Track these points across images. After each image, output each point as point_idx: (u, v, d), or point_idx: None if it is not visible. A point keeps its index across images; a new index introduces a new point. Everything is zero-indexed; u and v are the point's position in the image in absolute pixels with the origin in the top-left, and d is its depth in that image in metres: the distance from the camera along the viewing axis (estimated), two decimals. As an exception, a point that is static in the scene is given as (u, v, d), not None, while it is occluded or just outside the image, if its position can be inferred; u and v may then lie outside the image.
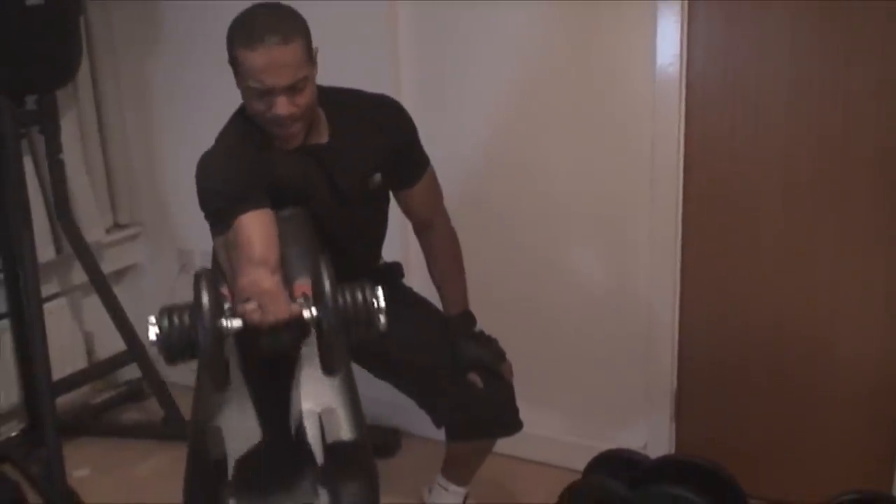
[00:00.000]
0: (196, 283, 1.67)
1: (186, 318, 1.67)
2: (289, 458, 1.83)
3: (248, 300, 1.77)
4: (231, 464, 1.77)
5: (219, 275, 2.22)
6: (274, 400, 1.93)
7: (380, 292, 1.75)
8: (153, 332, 1.67)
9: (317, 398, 1.91)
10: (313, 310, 1.74)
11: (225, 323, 1.70)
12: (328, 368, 1.78)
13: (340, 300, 1.72)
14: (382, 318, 1.75)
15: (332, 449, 1.79)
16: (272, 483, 1.79)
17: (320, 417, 1.82)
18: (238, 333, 1.73)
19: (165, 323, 1.67)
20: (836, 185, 2.93)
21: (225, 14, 2.23)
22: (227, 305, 1.74)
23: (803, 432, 3.18)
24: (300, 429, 1.85)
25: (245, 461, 1.81)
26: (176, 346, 1.67)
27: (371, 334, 1.76)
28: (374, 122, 2.49)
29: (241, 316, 1.73)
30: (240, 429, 1.86)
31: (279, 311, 1.76)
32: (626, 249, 3.26)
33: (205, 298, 1.65)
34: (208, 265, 2.32)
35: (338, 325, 1.70)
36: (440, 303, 2.80)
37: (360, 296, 1.73)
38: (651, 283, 3.24)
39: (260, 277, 1.89)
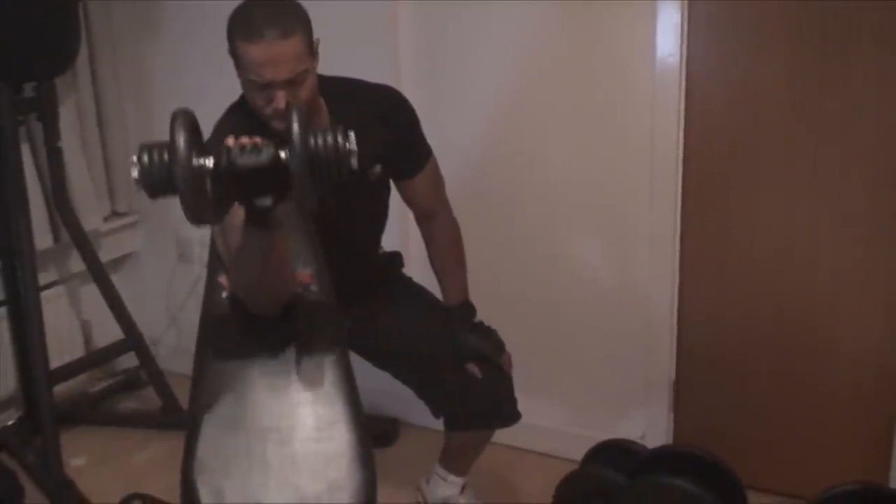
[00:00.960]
0: (172, 122, 1.69)
1: (166, 155, 1.68)
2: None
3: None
4: None
5: (217, 262, 2.22)
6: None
7: (352, 135, 1.75)
8: (135, 170, 1.69)
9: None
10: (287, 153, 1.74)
11: (202, 161, 1.71)
12: (301, 203, 1.76)
13: (311, 141, 1.73)
14: (353, 160, 1.75)
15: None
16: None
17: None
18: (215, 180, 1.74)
19: (146, 160, 1.69)
20: (835, 177, 2.92)
21: (224, 3, 2.22)
22: (203, 161, 1.74)
23: (801, 424, 3.19)
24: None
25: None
26: (157, 181, 1.69)
27: (343, 175, 1.76)
28: (376, 111, 2.48)
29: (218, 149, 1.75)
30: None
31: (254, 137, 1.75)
32: (625, 241, 3.26)
33: (180, 137, 1.66)
34: (206, 254, 2.32)
35: (307, 156, 1.71)
36: (440, 293, 2.80)
37: (330, 138, 1.73)
38: (650, 274, 3.24)
39: None
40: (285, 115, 1.76)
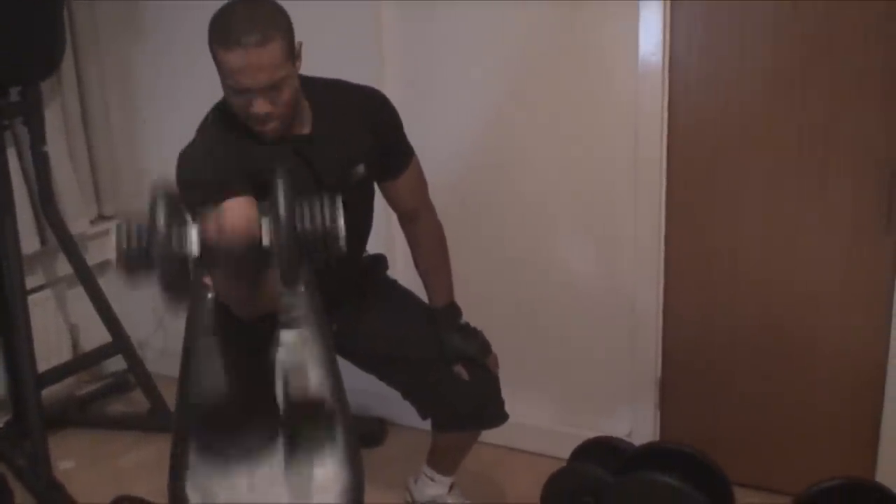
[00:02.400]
0: (152, 204, 1.63)
1: (145, 237, 1.61)
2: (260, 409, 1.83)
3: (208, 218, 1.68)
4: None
5: (198, 268, 2.22)
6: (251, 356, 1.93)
7: (340, 209, 1.68)
8: (114, 252, 1.63)
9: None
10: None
11: (184, 248, 1.64)
12: (287, 282, 1.74)
13: (297, 221, 1.66)
14: (342, 239, 1.69)
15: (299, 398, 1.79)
16: (237, 433, 1.79)
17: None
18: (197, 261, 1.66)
19: (124, 245, 1.62)
20: (818, 174, 2.94)
21: (209, 4, 2.21)
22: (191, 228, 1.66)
23: (787, 420, 3.20)
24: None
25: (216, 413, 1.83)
26: (135, 266, 1.63)
27: (331, 255, 1.71)
28: (358, 112, 2.48)
29: (200, 234, 1.66)
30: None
31: (237, 223, 1.67)
32: (610, 240, 3.27)
33: (160, 220, 1.61)
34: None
35: (294, 253, 1.64)
36: (425, 295, 2.81)
37: (318, 218, 1.67)
38: (635, 272, 3.26)
39: None
40: (272, 184, 1.67)
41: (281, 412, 1.87)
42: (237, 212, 1.67)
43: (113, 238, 1.63)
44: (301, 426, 1.82)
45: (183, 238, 1.64)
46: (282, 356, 1.98)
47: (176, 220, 1.64)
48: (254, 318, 2.07)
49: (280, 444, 1.82)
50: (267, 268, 1.71)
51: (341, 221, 1.68)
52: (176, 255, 1.62)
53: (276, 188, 1.65)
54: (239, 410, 1.91)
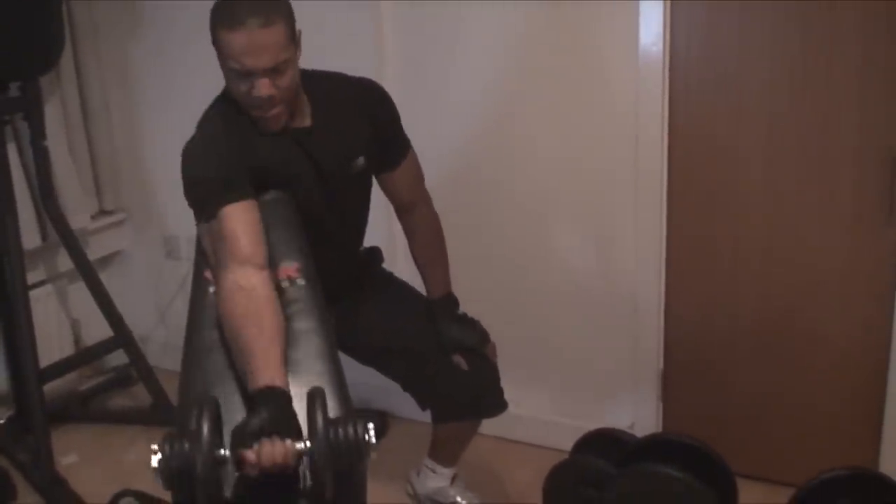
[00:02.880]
0: (198, 415, 1.69)
1: (185, 446, 1.66)
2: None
3: (248, 450, 1.72)
4: None
5: (203, 258, 2.23)
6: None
7: (371, 429, 1.75)
8: (155, 460, 1.68)
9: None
10: (307, 443, 1.73)
11: (222, 464, 1.71)
12: (320, 498, 1.76)
13: (332, 435, 1.71)
14: (373, 452, 1.75)
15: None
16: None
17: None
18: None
19: (167, 451, 1.67)
20: (819, 167, 2.93)
21: (207, -2, 2.22)
22: (224, 452, 1.72)
23: (789, 411, 3.20)
24: None
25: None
26: (175, 472, 1.67)
27: (362, 466, 1.78)
28: (357, 104, 2.49)
29: (238, 463, 1.73)
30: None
31: (278, 457, 1.72)
32: (612, 231, 3.27)
33: (205, 431, 1.66)
34: (193, 251, 2.32)
35: (330, 460, 1.69)
36: (422, 286, 2.81)
37: (351, 431, 1.72)
38: (637, 264, 3.25)
39: (245, 275, 2.01)
40: (308, 407, 1.75)
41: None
42: (278, 447, 1.72)
43: (154, 447, 1.68)
44: (304, 419, 1.82)
45: (223, 453, 1.72)
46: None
47: (217, 434, 1.71)
48: None
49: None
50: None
51: (373, 436, 1.75)
52: (216, 464, 1.68)
53: (314, 408, 1.73)
54: (242, 405, 1.92)
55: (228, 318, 1.99)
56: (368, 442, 1.73)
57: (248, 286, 2.01)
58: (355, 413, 1.89)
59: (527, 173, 3.35)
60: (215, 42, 2.19)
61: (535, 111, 3.26)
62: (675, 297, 3.28)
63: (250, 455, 1.70)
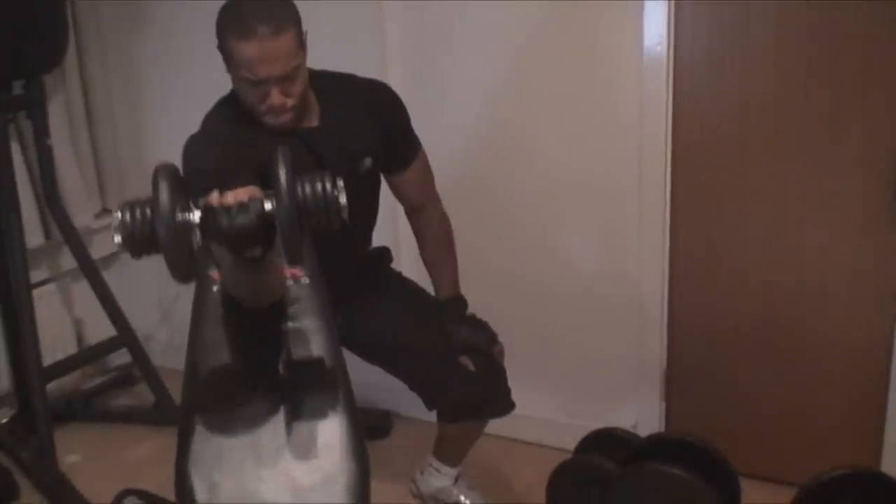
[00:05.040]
0: (154, 176, 1.63)
1: (148, 212, 1.63)
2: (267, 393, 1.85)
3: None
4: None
5: (207, 256, 2.22)
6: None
7: (340, 182, 1.70)
8: (117, 232, 1.63)
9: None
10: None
11: (186, 215, 1.66)
12: (291, 258, 1.75)
13: (299, 191, 1.67)
14: (344, 213, 1.70)
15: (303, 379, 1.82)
16: (245, 415, 1.79)
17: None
18: (200, 227, 1.67)
19: (128, 218, 1.63)
20: (824, 168, 2.93)
21: (213, -2, 2.22)
22: (188, 216, 1.67)
23: (793, 411, 3.20)
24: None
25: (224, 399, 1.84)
26: (138, 240, 1.64)
27: (332, 224, 1.72)
28: (365, 106, 2.49)
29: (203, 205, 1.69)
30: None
31: (238, 192, 1.70)
32: (615, 231, 3.27)
33: (163, 192, 1.61)
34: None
35: (294, 214, 1.65)
36: (431, 286, 2.81)
37: (318, 186, 1.69)
38: (641, 263, 3.25)
39: None
40: (273, 159, 1.68)
41: (288, 405, 1.87)
42: (242, 189, 1.70)
43: (115, 217, 1.63)
44: (308, 418, 1.82)
45: (186, 211, 1.66)
46: (290, 349, 1.98)
47: (179, 195, 1.65)
48: (261, 306, 2.07)
49: (287, 436, 1.82)
50: (269, 247, 1.72)
51: (342, 189, 1.70)
52: (179, 226, 1.63)
53: (277, 161, 1.67)
54: (245, 403, 1.92)
55: None
56: (337, 197, 1.69)
57: None
58: (361, 416, 1.89)
59: (529, 175, 3.35)
60: (224, 49, 2.19)
61: (539, 113, 3.26)
62: (679, 299, 3.28)
63: (213, 196, 1.69)
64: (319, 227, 1.72)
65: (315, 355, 2.00)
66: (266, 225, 1.67)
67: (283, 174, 1.65)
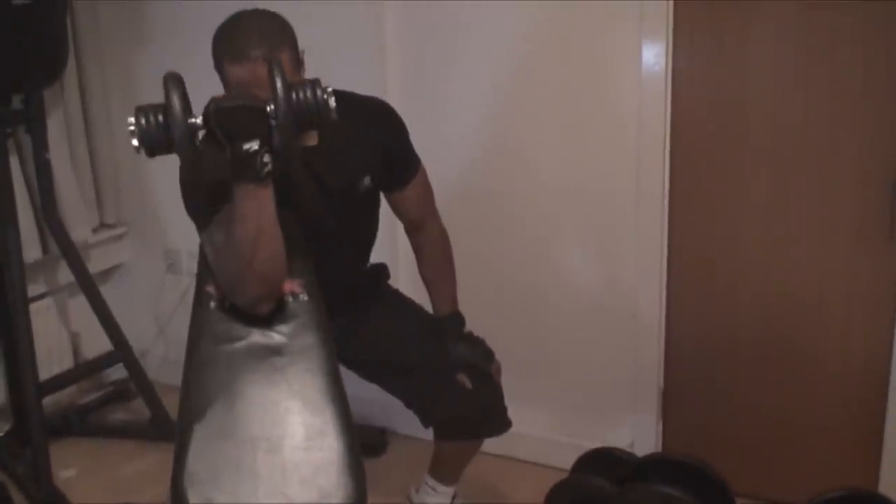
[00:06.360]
0: (165, 85, 1.92)
1: (160, 117, 1.90)
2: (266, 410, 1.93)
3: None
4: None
5: (205, 272, 2.22)
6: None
7: (329, 88, 1.97)
8: (134, 135, 1.92)
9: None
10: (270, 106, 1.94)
11: (194, 119, 1.93)
12: (288, 152, 1.98)
13: (294, 95, 1.94)
14: (332, 111, 1.97)
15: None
16: (245, 433, 1.84)
17: None
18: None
19: (143, 122, 1.91)
20: (821, 183, 2.94)
21: (211, 12, 2.23)
22: (195, 120, 1.95)
23: (790, 431, 3.20)
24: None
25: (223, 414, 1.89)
26: (154, 141, 1.92)
27: (323, 119, 1.97)
28: (365, 124, 2.49)
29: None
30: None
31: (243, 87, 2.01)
32: (612, 249, 3.27)
33: (175, 99, 1.90)
34: (195, 265, 2.32)
35: (292, 117, 1.93)
36: (429, 303, 2.81)
37: (309, 91, 1.95)
38: (638, 283, 3.25)
39: None
40: (267, 70, 1.96)
41: (285, 421, 1.87)
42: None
43: (131, 122, 1.90)
44: (305, 435, 1.82)
45: (194, 116, 1.94)
46: (288, 366, 1.98)
47: (187, 101, 1.94)
48: (259, 299, 2.07)
49: (283, 453, 1.82)
50: (269, 146, 1.96)
51: (331, 96, 1.97)
52: (191, 129, 1.92)
53: (272, 70, 1.93)
54: (241, 420, 1.91)
55: None
56: (328, 100, 1.96)
57: None
58: (357, 431, 1.89)
59: (527, 189, 3.35)
60: (219, 70, 2.19)
61: (538, 128, 3.27)
62: (676, 316, 3.28)
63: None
64: (312, 125, 2.01)
65: (312, 372, 2.00)
66: (262, 118, 1.94)
67: (279, 80, 1.91)
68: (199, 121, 1.92)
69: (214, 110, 1.91)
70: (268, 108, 1.92)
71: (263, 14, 2.22)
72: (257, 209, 2.00)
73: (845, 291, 3.00)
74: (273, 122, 1.92)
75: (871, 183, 2.88)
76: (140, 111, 1.91)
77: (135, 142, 1.91)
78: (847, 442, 3.12)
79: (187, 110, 1.91)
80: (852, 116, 2.85)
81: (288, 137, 1.92)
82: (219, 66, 2.19)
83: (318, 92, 1.94)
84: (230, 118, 1.91)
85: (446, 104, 3.39)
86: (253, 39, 2.12)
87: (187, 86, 1.96)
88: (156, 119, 1.90)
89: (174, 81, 1.91)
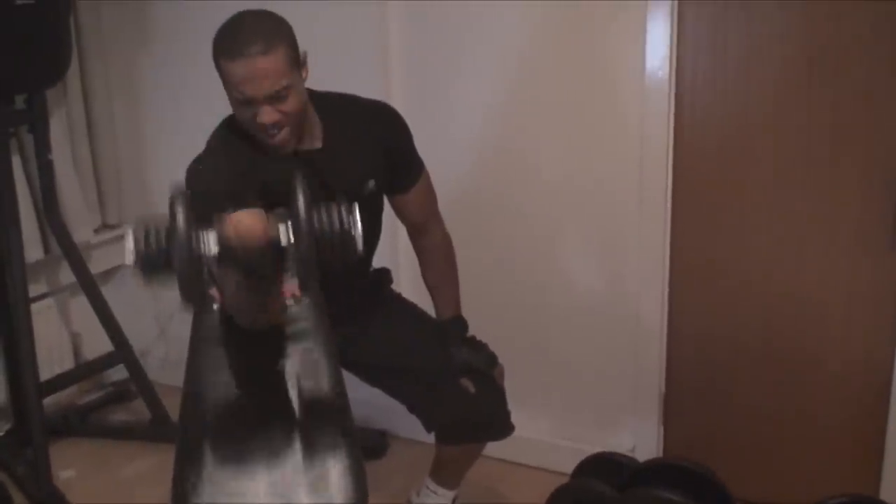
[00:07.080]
0: (171, 203, 1.60)
1: (163, 238, 1.60)
2: (269, 413, 1.86)
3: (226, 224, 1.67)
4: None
5: (209, 278, 2.22)
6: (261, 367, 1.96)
7: (357, 214, 1.68)
8: (130, 253, 1.60)
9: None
10: (290, 234, 1.67)
11: (202, 246, 1.63)
12: (304, 285, 1.74)
13: (316, 223, 1.65)
14: (359, 242, 1.68)
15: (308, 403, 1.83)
16: (249, 435, 1.79)
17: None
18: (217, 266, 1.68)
19: (142, 246, 1.60)
20: (824, 188, 2.94)
21: (214, 13, 2.22)
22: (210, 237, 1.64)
23: (791, 436, 3.19)
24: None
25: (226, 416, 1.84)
26: (153, 266, 1.61)
27: (348, 257, 1.69)
28: (369, 128, 2.49)
29: (219, 237, 1.65)
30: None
31: (254, 223, 1.66)
32: (615, 253, 3.27)
33: (181, 222, 1.58)
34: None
35: (312, 251, 1.64)
36: (431, 307, 2.80)
37: (336, 217, 1.67)
38: (639, 287, 3.25)
39: None
40: (291, 188, 1.68)
41: (287, 424, 1.87)
42: (253, 216, 1.67)
43: (129, 240, 1.60)
44: (305, 440, 1.81)
45: (202, 239, 1.63)
46: (290, 368, 1.98)
47: (195, 221, 1.63)
48: (259, 328, 2.06)
49: (283, 457, 1.81)
50: (281, 272, 1.73)
51: (358, 224, 1.68)
52: (195, 256, 1.61)
53: (296, 189, 1.65)
54: (243, 422, 1.91)
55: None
56: (353, 227, 1.66)
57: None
58: (359, 437, 1.89)
59: (530, 191, 3.35)
60: (218, 69, 2.20)
61: (541, 130, 3.27)
62: (678, 321, 3.27)
63: (229, 227, 1.64)
64: (333, 258, 1.69)
65: (314, 376, 2.00)
66: (279, 254, 1.68)
67: (301, 203, 1.64)
68: (209, 247, 1.64)
69: (224, 255, 1.65)
70: (280, 236, 1.67)
71: (261, 13, 2.24)
72: (262, 302, 1.95)
73: (847, 296, 3.00)
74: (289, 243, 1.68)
75: (873, 186, 2.87)
76: (141, 226, 1.61)
77: (130, 260, 1.61)
78: (849, 446, 3.12)
79: (193, 234, 1.61)
80: (855, 120, 2.85)
81: (307, 275, 1.68)
82: (217, 64, 2.21)
83: (345, 220, 1.67)
84: (237, 261, 1.69)
85: (450, 106, 3.39)
86: (247, 36, 2.14)
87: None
88: (157, 240, 1.60)
89: (180, 200, 1.61)
